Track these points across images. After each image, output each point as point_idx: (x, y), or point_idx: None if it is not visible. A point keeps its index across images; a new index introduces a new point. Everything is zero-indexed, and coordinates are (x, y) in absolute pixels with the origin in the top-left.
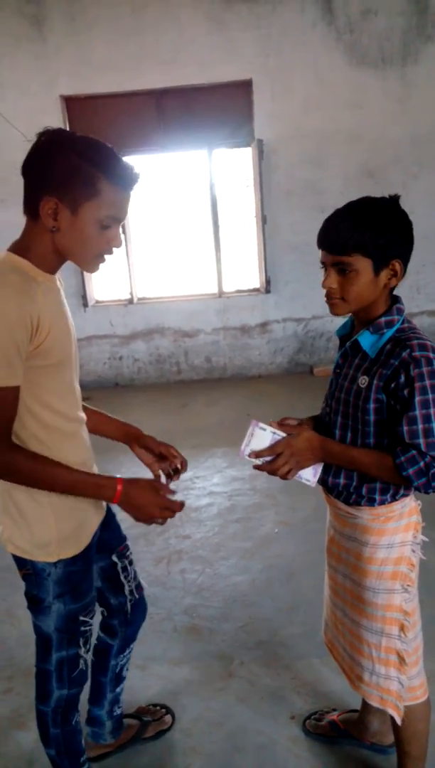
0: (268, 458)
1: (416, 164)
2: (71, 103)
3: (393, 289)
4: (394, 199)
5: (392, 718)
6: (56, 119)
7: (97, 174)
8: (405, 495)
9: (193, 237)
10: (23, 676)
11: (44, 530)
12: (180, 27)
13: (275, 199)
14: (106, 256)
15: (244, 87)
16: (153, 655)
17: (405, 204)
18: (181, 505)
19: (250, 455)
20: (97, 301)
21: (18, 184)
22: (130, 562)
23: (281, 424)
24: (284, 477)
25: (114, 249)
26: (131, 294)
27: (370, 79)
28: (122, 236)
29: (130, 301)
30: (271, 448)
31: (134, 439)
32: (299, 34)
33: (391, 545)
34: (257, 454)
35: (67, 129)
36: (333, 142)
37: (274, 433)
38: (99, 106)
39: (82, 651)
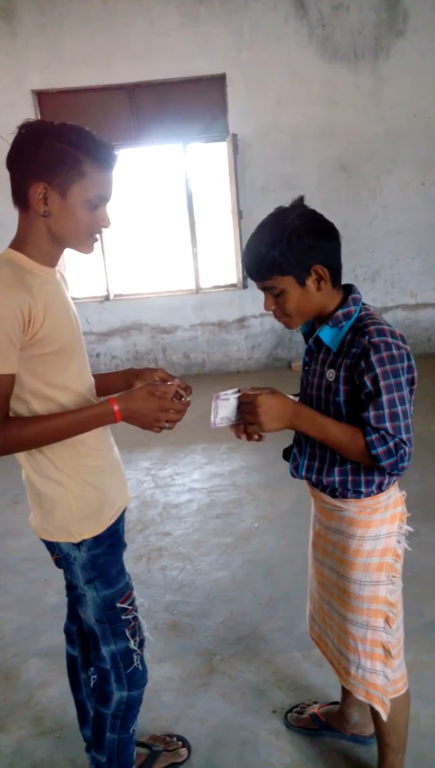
0: (237, 419)
1: (390, 159)
2: (43, 98)
3: (338, 278)
4: (297, 205)
5: (372, 710)
6: (28, 114)
7: (80, 156)
8: (390, 485)
9: (169, 232)
10: (2, 678)
11: (64, 511)
12: (151, 21)
13: (251, 194)
14: (98, 236)
15: (218, 81)
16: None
17: (378, 199)
18: (185, 404)
19: (220, 423)
20: (73, 298)
21: None
22: None
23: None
24: (250, 437)
25: (104, 228)
26: (107, 290)
27: (343, 74)
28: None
29: (107, 298)
30: (241, 398)
31: (134, 377)
32: (272, 29)
33: (378, 537)
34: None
35: None
36: (307, 137)
37: (238, 393)
38: (71, 100)
39: (132, 644)
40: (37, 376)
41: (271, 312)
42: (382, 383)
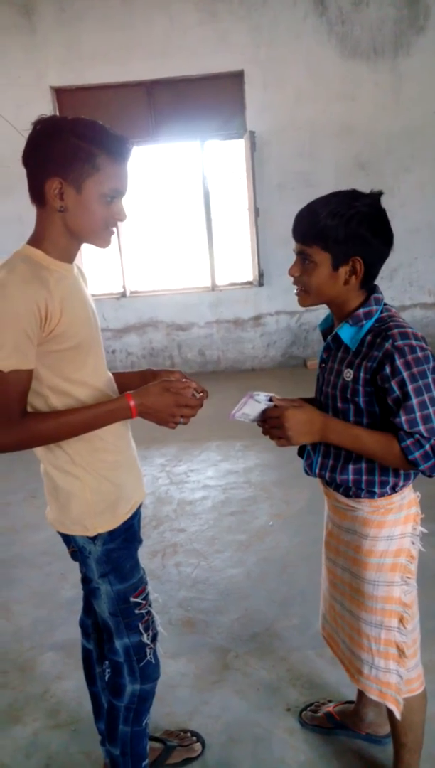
0: (258, 421)
1: (409, 157)
2: (61, 94)
3: (368, 282)
4: (375, 196)
5: (389, 710)
6: (46, 110)
7: (94, 150)
8: (404, 486)
9: (186, 230)
10: (19, 671)
11: (80, 504)
12: (170, 18)
13: (268, 191)
14: (114, 230)
15: (236, 78)
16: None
17: (396, 196)
18: (200, 399)
19: (239, 417)
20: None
21: (5, 175)
22: None
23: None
24: (277, 443)
25: (120, 222)
26: (124, 287)
27: (362, 71)
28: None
29: (123, 295)
30: (266, 413)
31: (151, 377)
32: (291, 25)
33: (391, 537)
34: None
35: None
36: (325, 135)
37: (270, 402)
38: (89, 97)
39: (145, 638)
40: (55, 372)
41: (291, 279)
42: (410, 386)
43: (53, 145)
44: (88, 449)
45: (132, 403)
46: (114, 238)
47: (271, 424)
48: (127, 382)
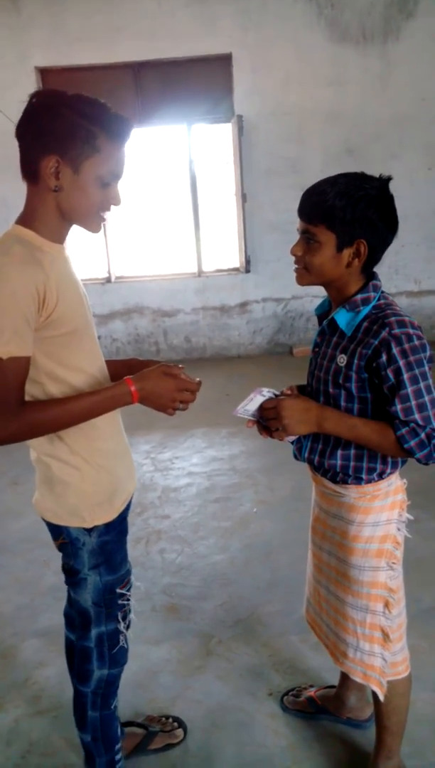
0: (256, 417)
1: (397, 143)
2: (46, 75)
3: (369, 267)
4: (383, 180)
5: (373, 693)
6: (31, 91)
7: (95, 131)
8: (392, 474)
9: (172, 215)
10: (0, 658)
11: (78, 495)
12: None
13: (255, 176)
14: (106, 215)
15: (224, 61)
16: (131, 634)
17: None
18: (198, 383)
19: (241, 413)
20: None
21: None
22: None
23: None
24: (276, 436)
25: (114, 206)
26: (109, 273)
27: (351, 56)
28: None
29: (108, 280)
30: (262, 405)
31: (138, 367)
32: (279, 8)
33: (377, 523)
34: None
35: None
36: (313, 120)
37: (273, 396)
38: (75, 78)
39: (121, 626)
40: (52, 358)
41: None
42: (406, 375)
43: (52, 121)
44: (85, 438)
45: (133, 387)
46: (105, 221)
47: (267, 415)
48: (112, 370)
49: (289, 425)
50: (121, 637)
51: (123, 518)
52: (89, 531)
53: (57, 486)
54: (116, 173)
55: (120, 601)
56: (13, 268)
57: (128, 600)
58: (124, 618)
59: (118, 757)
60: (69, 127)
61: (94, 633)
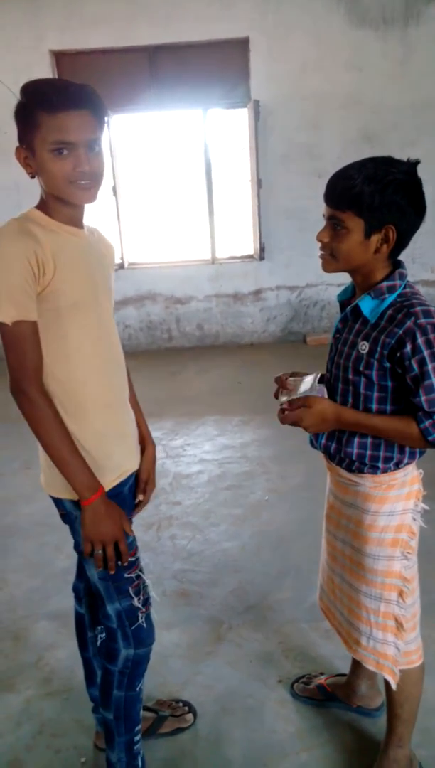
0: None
1: (415, 130)
2: (61, 59)
3: (396, 253)
4: (411, 164)
5: (385, 682)
6: (45, 75)
7: (32, 107)
8: (408, 464)
9: (186, 201)
10: (12, 639)
11: None
12: None
13: (271, 162)
14: (84, 183)
15: (241, 45)
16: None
17: None
18: (126, 545)
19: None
20: None
21: (2, 141)
22: None
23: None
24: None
25: (86, 173)
26: (122, 259)
27: (370, 41)
28: (85, 156)
29: (121, 266)
30: (292, 401)
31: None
32: None
33: (392, 513)
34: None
35: None
36: (331, 106)
37: (314, 384)
38: (90, 62)
39: (136, 602)
40: (51, 332)
41: (318, 242)
42: (430, 365)
43: (16, 114)
44: (71, 417)
45: (96, 496)
46: (112, 207)
47: (289, 417)
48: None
49: (309, 427)
50: (140, 615)
51: (117, 493)
52: (77, 503)
53: (49, 459)
54: (63, 140)
55: (126, 575)
56: (4, 239)
57: (137, 574)
58: (138, 594)
59: (137, 738)
60: (18, 114)
61: (111, 610)
